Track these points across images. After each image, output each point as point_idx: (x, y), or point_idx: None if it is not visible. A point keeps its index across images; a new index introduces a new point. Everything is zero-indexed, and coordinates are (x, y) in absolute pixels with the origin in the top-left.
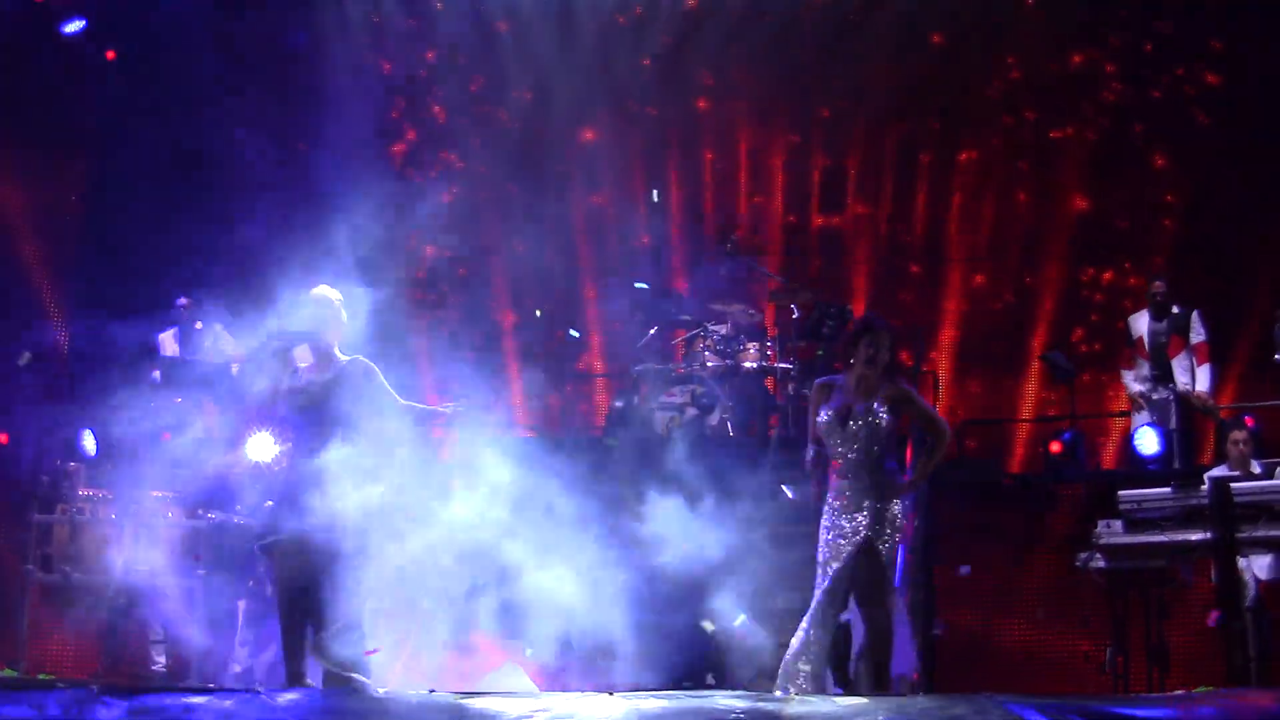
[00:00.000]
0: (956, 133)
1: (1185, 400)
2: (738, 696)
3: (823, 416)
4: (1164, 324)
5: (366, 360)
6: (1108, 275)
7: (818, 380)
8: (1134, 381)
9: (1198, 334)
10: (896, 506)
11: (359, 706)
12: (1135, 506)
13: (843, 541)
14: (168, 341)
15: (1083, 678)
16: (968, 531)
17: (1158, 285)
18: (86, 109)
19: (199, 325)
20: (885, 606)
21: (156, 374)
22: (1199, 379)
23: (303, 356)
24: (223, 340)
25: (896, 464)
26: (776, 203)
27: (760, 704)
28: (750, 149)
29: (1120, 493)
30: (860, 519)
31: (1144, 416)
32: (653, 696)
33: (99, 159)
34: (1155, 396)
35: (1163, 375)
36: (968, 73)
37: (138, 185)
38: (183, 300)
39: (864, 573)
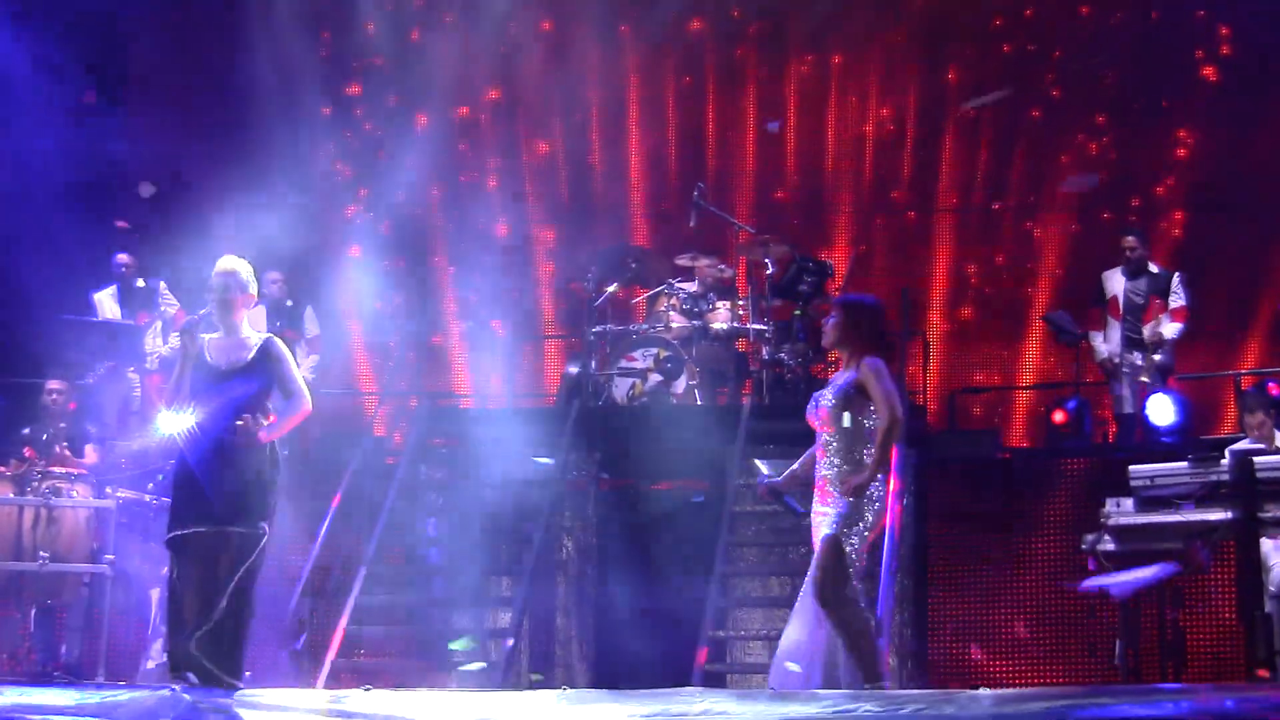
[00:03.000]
0: (946, 67)
1: (1168, 370)
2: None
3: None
4: (1142, 283)
5: (279, 342)
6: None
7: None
8: (1103, 345)
9: (1178, 297)
10: (862, 502)
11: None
12: (1148, 483)
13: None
14: (105, 301)
15: (1089, 672)
16: (961, 511)
17: (1129, 240)
18: None
19: (141, 282)
20: (851, 605)
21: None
22: (1167, 329)
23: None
24: (165, 299)
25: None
26: (748, 147)
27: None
28: (719, 86)
29: (1131, 468)
30: (826, 512)
31: (1121, 385)
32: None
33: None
34: (1126, 363)
35: (1137, 340)
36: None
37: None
38: (123, 257)
39: (826, 569)
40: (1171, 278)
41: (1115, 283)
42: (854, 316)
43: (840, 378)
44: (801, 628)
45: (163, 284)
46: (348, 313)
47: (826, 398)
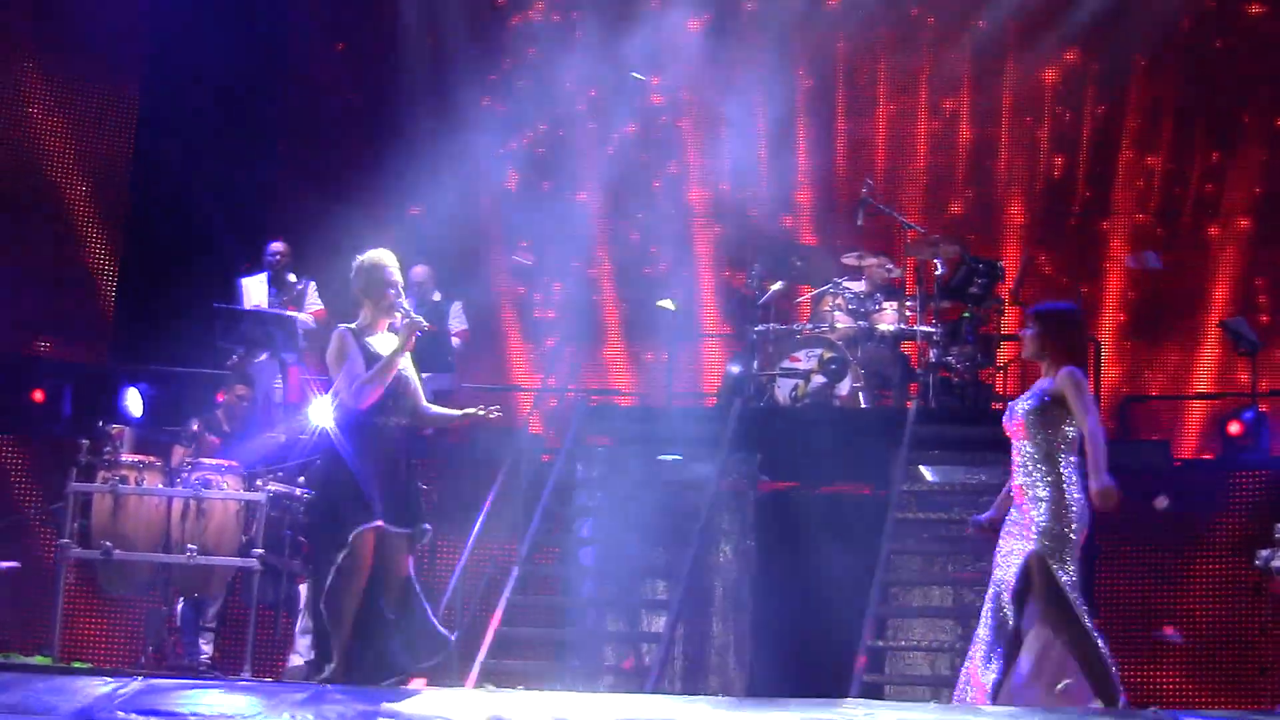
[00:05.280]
0: (1128, 67)
1: None
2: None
3: None
4: None
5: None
6: None
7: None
8: None
9: None
10: (1062, 511)
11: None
12: None
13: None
14: (254, 288)
15: (1259, 694)
16: (1130, 524)
17: None
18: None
19: (293, 277)
20: (1077, 623)
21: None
22: None
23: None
24: (311, 298)
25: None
26: (919, 144)
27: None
28: (889, 83)
29: None
30: (1020, 522)
31: None
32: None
33: (151, 89)
34: None
35: None
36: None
37: (196, 121)
38: (277, 245)
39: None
40: None
41: None
42: (1052, 325)
43: (1038, 386)
44: (1027, 645)
45: (313, 285)
46: (500, 300)
47: (1022, 406)
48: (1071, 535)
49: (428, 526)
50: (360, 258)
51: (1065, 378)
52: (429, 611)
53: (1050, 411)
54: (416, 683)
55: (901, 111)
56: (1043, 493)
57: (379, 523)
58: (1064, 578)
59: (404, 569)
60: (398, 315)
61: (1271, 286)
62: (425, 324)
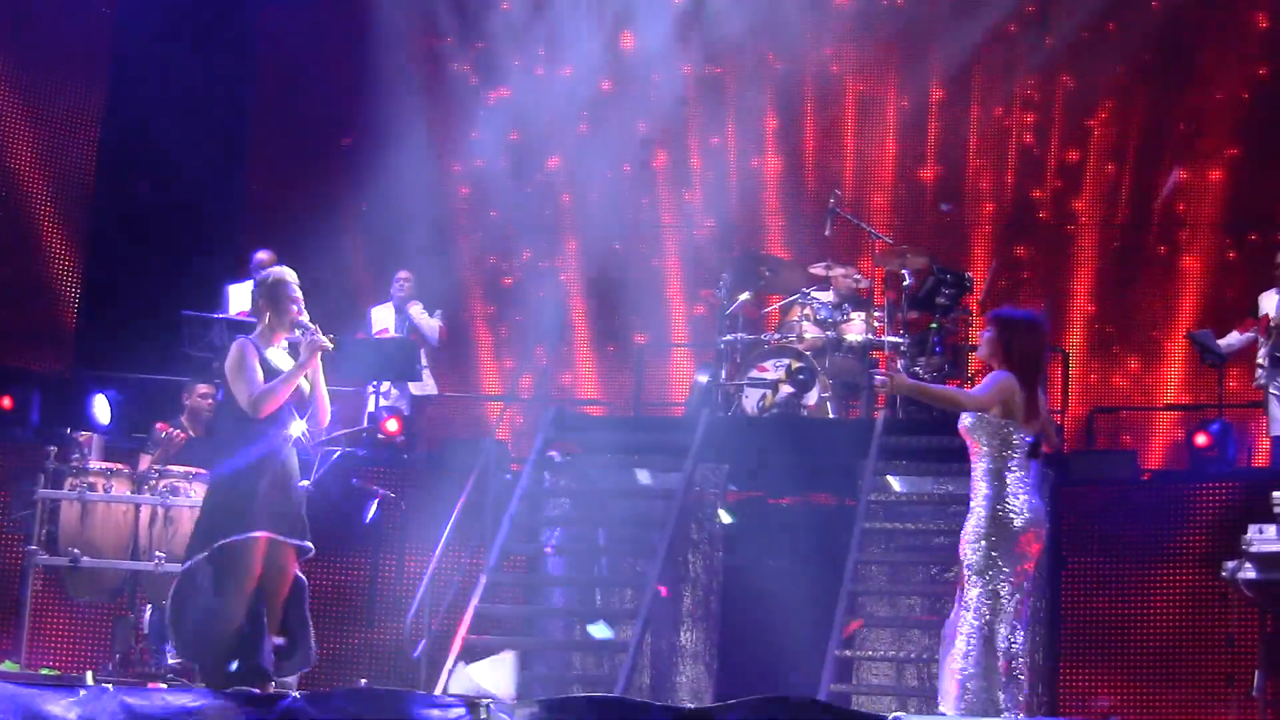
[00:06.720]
0: (1095, 80)
1: None
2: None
3: None
4: None
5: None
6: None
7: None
8: (1259, 369)
9: None
10: (995, 520)
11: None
12: None
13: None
14: (239, 295)
15: (1225, 704)
16: (1097, 535)
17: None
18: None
19: None
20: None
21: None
22: None
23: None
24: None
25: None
26: (888, 153)
27: None
28: (858, 89)
29: (1274, 493)
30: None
31: (1276, 407)
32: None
33: (116, 95)
34: (1274, 384)
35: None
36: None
37: (161, 127)
38: (262, 254)
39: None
40: None
41: (1269, 302)
42: (1006, 334)
43: None
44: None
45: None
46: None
47: (964, 416)
48: (998, 554)
49: (309, 545)
50: (266, 272)
51: (988, 377)
52: (308, 624)
53: (987, 420)
54: None
55: (870, 121)
56: (981, 499)
57: (261, 533)
58: (974, 589)
59: (288, 582)
60: (298, 331)
61: (1241, 293)
62: (329, 344)
